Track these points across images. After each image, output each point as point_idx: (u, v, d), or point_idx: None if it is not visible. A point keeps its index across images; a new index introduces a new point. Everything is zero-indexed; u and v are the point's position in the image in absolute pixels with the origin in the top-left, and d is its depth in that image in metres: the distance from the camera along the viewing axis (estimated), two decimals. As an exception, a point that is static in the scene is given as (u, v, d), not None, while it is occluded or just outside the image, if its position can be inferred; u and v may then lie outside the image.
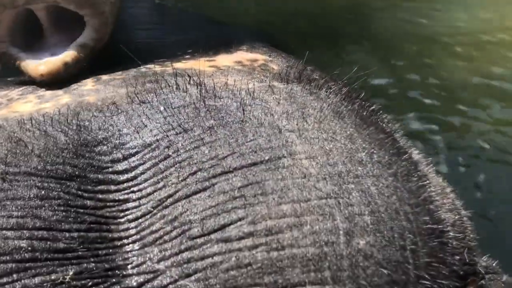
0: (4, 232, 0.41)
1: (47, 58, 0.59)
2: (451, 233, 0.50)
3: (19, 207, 0.43)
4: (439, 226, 0.49)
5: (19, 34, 0.60)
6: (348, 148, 0.46)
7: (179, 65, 0.62)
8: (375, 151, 0.47)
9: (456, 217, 0.53)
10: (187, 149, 0.48)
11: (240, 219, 0.42)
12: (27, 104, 0.54)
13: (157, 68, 0.61)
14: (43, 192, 0.44)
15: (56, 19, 0.61)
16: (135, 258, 0.44)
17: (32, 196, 0.44)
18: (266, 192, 0.43)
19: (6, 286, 0.39)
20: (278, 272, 0.40)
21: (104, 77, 0.60)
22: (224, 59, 0.64)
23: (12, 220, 0.42)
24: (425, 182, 0.51)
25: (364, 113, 0.54)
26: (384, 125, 0.55)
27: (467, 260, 0.50)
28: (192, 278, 0.42)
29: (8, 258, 0.40)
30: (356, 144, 0.47)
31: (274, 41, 1.03)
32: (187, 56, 0.67)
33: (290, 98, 0.51)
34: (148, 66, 0.63)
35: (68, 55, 0.59)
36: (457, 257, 0.49)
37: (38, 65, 0.58)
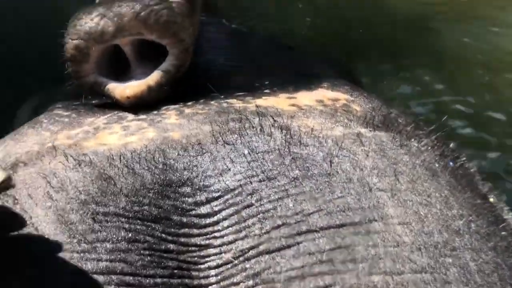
0: (94, 276, 0.42)
1: (132, 82, 0.62)
2: None
3: (108, 250, 0.43)
4: None
5: (105, 66, 0.63)
6: (444, 215, 0.44)
7: (260, 102, 0.62)
8: (472, 220, 0.44)
9: None
10: (271, 199, 0.47)
11: (327, 286, 0.41)
12: (113, 135, 0.55)
13: (239, 103, 0.61)
14: (130, 234, 0.45)
15: (139, 50, 0.63)
16: None
17: (120, 238, 0.44)
18: (356, 259, 0.41)
19: None
20: None
21: (187, 110, 0.60)
22: (305, 97, 0.63)
23: (102, 264, 0.42)
24: None
25: (457, 171, 0.50)
26: (479, 186, 0.51)
27: None
28: None
29: None
30: (453, 211, 0.44)
31: (344, 68, 1.01)
32: (266, 91, 0.67)
33: (380, 151, 0.49)
34: (229, 100, 0.62)
35: (151, 79, 0.62)
36: None
37: (124, 88, 0.61)
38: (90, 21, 0.59)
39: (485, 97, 1.27)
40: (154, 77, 0.62)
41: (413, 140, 0.52)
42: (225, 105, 0.61)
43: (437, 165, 0.49)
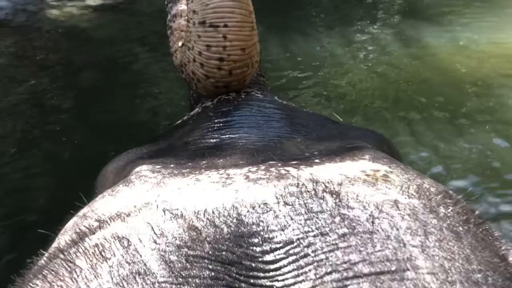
0: None
1: None
2: None
3: (197, 285, 0.56)
4: None
5: None
6: (465, 268, 0.54)
7: (313, 170, 0.75)
8: (490, 275, 0.54)
9: None
10: (324, 251, 0.58)
11: None
12: (195, 193, 0.70)
13: (295, 171, 0.74)
14: (213, 273, 0.57)
15: None
16: None
17: (206, 276, 0.57)
18: None
19: None
20: None
21: (252, 175, 0.74)
22: (350, 168, 0.75)
23: None
24: None
25: (479, 234, 0.61)
26: (498, 247, 0.61)
27: None
28: None
29: None
30: (473, 265, 0.54)
31: (384, 140, 1.11)
32: (317, 160, 0.80)
33: (413, 215, 0.60)
34: (286, 168, 0.76)
35: None
36: None
37: None
38: None
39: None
40: None
41: (441, 207, 0.63)
42: (283, 172, 0.74)
43: (461, 228, 0.59)
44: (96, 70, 2.40)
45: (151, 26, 2.74)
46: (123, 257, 0.57)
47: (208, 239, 0.61)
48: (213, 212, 0.64)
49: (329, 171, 0.74)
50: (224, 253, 0.60)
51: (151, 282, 0.55)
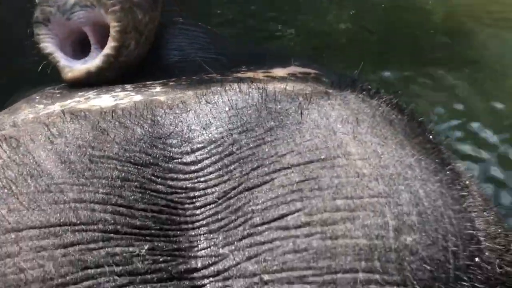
0: (92, 205, 0.47)
1: (76, 65, 0.69)
2: (488, 243, 0.53)
3: (103, 185, 0.49)
4: (478, 234, 0.52)
5: (70, 44, 0.69)
6: (398, 153, 0.51)
7: (239, 75, 0.68)
8: (422, 158, 0.51)
9: (499, 230, 0.56)
10: (250, 147, 0.53)
11: (298, 210, 0.47)
12: (104, 101, 0.61)
13: (219, 76, 0.68)
14: (123, 174, 0.50)
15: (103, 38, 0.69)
16: (200, 242, 0.49)
17: (114, 176, 0.49)
18: (322, 188, 0.48)
19: (93, 251, 0.45)
20: (331, 258, 0.44)
21: (171, 82, 0.66)
22: (279, 71, 0.70)
23: (98, 195, 0.48)
24: (467, 192, 0.55)
25: (413, 124, 0.58)
26: (430, 136, 0.58)
27: (505, 272, 0.53)
28: (253, 260, 0.46)
29: (95, 227, 0.46)
30: (406, 150, 0.51)
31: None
32: (244, 68, 0.73)
33: (344, 104, 0.56)
34: (210, 75, 0.69)
35: (91, 64, 0.68)
36: (497, 267, 0.52)
37: (68, 71, 0.69)
38: None
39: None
40: (95, 62, 0.68)
41: (375, 99, 0.59)
42: (206, 78, 0.67)
43: (394, 116, 0.56)
44: None
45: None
46: (10, 158, 0.48)
47: (117, 139, 0.53)
48: (123, 113, 0.56)
49: (256, 75, 0.68)
50: (137, 154, 0.53)
51: (46, 184, 0.47)
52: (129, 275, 0.45)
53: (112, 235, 0.46)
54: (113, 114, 0.56)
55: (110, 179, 0.49)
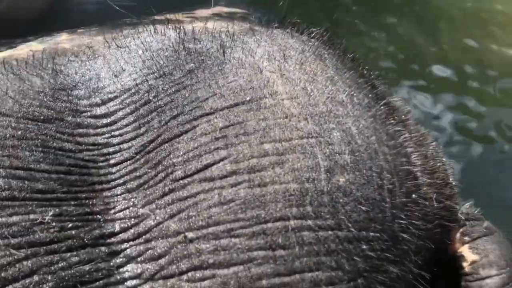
0: None
1: None
2: (425, 178, 0.51)
3: None
4: (415, 169, 0.50)
5: None
6: (329, 90, 0.47)
7: (157, 17, 0.61)
8: (355, 94, 0.48)
9: (438, 164, 0.54)
10: (168, 93, 0.47)
11: (222, 159, 0.43)
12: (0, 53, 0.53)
13: (134, 21, 0.60)
14: (19, 132, 0.43)
15: None
16: (117, 203, 0.44)
17: (8, 135, 0.43)
18: (248, 132, 0.43)
19: None
20: (261, 207, 0.40)
21: (80, 30, 0.58)
22: (202, 13, 0.63)
23: None
24: (403, 127, 0.52)
25: (345, 58, 0.54)
26: (363, 71, 0.55)
27: (444, 206, 0.52)
28: (176, 218, 0.42)
29: None
30: (337, 86, 0.47)
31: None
32: (164, 12, 0.66)
33: (271, 40, 0.51)
34: (124, 20, 0.61)
35: None
36: (434, 202, 0.50)
37: None
38: None
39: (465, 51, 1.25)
40: None
41: (305, 33, 0.55)
42: (120, 23, 0.59)
43: (324, 51, 0.52)
44: None
45: None
46: None
47: (10, 93, 0.45)
48: (17, 64, 0.48)
49: (178, 17, 0.61)
50: (37, 109, 0.45)
51: None
52: (29, 246, 0.39)
53: (6, 202, 0.40)
54: (6, 65, 0.48)
55: (2, 139, 0.42)
